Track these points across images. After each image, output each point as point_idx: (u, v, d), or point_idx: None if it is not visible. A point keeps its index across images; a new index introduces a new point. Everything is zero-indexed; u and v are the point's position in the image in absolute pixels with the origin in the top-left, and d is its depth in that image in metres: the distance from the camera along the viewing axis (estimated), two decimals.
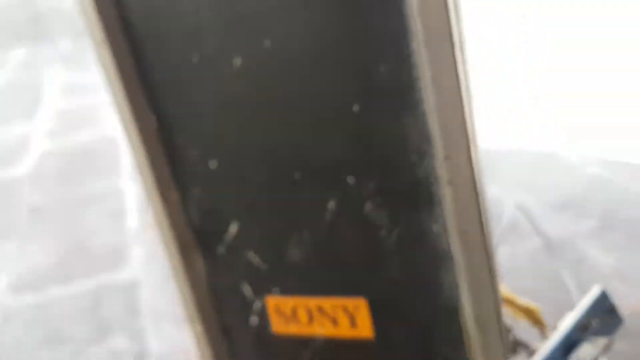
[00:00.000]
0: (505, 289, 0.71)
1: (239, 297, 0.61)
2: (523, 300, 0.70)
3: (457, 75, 0.46)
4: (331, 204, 0.54)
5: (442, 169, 0.48)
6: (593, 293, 0.68)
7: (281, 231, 0.57)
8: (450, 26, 0.45)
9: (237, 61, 0.52)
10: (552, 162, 1.37)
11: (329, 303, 0.57)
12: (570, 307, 0.82)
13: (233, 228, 0.59)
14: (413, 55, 0.47)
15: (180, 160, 0.58)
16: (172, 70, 0.55)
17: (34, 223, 1.43)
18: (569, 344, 0.63)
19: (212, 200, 0.59)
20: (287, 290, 0.59)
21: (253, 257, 0.59)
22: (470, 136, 0.48)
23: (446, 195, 0.49)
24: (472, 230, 0.50)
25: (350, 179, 0.52)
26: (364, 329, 0.57)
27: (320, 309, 0.58)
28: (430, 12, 0.44)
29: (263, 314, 0.61)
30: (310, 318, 0.59)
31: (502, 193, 1.25)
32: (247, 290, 0.61)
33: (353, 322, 0.57)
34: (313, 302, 0.58)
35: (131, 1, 0.54)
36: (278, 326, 0.61)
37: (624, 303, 0.89)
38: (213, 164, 0.57)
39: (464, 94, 0.47)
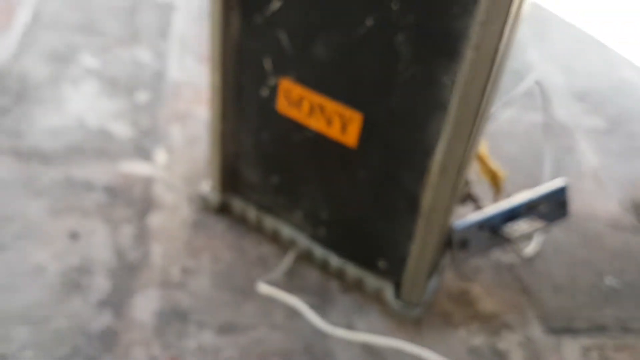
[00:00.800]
0: (484, 148, 0.78)
1: (259, 68, 0.68)
2: (494, 164, 0.77)
3: None
4: (369, 20, 0.58)
5: (474, 31, 0.52)
6: (556, 183, 0.76)
7: (316, 25, 0.61)
8: None
9: None
10: (598, 51, 1.36)
11: (331, 105, 0.64)
12: (534, 185, 0.90)
13: (275, 4, 0.63)
14: None
15: None
16: None
17: None
18: (512, 215, 0.72)
19: None
20: (301, 79, 0.65)
21: (284, 38, 0.64)
22: (514, 12, 0.51)
23: (468, 56, 0.53)
24: (474, 95, 0.55)
25: (395, 5, 0.56)
26: (351, 138, 0.65)
27: (322, 107, 0.65)
28: None
29: (273, 91, 0.68)
30: (311, 111, 0.66)
31: (537, 60, 1.27)
32: (268, 64, 0.67)
33: (344, 129, 0.65)
34: (318, 99, 0.65)
35: None
36: (282, 106, 0.68)
37: (586, 203, 0.98)
38: None
39: None
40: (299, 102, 0.67)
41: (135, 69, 1.00)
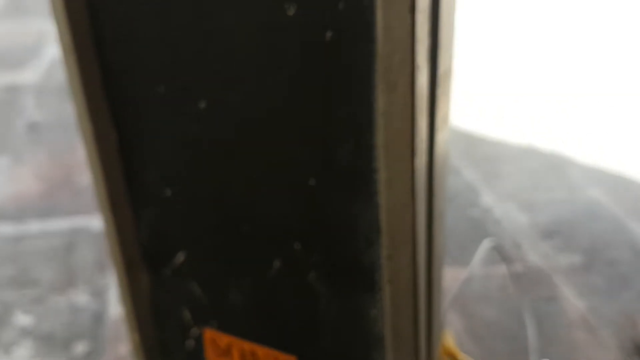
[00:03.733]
0: (450, 340, 0.70)
1: (178, 320, 0.61)
2: (465, 358, 0.69)
3: (412, 181, 0.43)
4: (276, 263, 0.52)
5: (383, 267, 0.46)
6: None
7: (224, 273, 0.56)
8: (413, 133, 0.41)
9: (202, 103, 0.49)
10: (555, 175, 1.33)
11: (262, 351, 0.57)
12: (521, 352, 0.82)
13: (180, 257, 0.58)
14: (374, 149, 0.44)
15: (137, 180, 0.57)
16: (138, 93, 0.52)
17: (29, 140, 1.43)
18: None
19: (163, 225, 0.58)
20: (224, 328, 0.59)
21: (196, 288, 0.58)
22: (420, 240, 0.45)
23: (386, 290, 0.47)
24: (405, 322, 0.49)
25: (297, 246, 0.51)
26: None
27: (253, 354, 0.58)
28: (394, 114, 0.41)
29: (199, 341, 0.61)
30: (243, 359, 0.59)
31: (495, 204, 1.23)
32: (186, 316, 0.60)
33: None
34: (248, 346, 0.58)
35: (106, 14, 0.50)
36: (212, 356, 0.61)
37: (582, 355, 0.88)
38: (167, 192, 0.55)
39: (418, 201, 0.44)
40: (228, 351, 0.59)
41: (72, 317, 0.93)
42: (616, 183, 1.30)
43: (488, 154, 1.42)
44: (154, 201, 0.57)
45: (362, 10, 0.40)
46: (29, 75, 1.71)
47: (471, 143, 1.46)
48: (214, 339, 0.60)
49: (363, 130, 0.43)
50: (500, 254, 0.87)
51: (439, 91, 0.43)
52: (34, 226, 1.13)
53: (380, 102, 0.41)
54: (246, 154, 0.49)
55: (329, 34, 0.41)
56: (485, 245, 0.88)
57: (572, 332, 0.93)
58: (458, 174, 1.33)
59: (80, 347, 0.88)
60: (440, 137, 0.46)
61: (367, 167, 0.45)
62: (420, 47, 0.39)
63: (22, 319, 0.93)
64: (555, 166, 1.36)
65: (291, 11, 0.42)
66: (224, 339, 0.59)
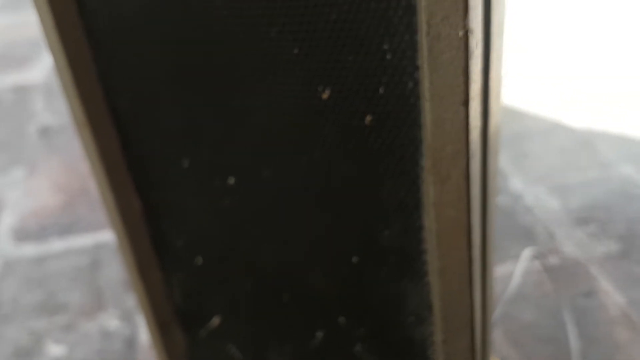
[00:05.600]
0: None
1: None
2: None
3: (470, 270, 0.40)
4: (319, 334, 0.50)
5: (438, 349, 0.43)
6: None
7: (264, 338, 0.54)
8: (469, 223, 0.38)
9: (231, 180, 0.46)
10: (585, 151, 1.28)
11: None
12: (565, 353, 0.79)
13: (215, 320, 0.55)
14: (422, 231, 0.40)
15: (165, 245, 0.54)
16: (161, 166, 0.49)
17: (42, 147, 1.41)
18: None
19: (195, 290, 0.55)
20: None
21: (234, 350, 0.56)
22: (477, 324, 0.42)
23: None
24: None
25: (342, 320, 0.48)
26: None
27: None
28: (447, 204, 0.37)
29: None
30: None
31: (524, 189, 1.19)
32: None
33: None
34: None
35: (118, 82, 0.46)
36: None
37: (625, 355, 0.86)
38: (198, 260, 0.52)
39: (475, 287, 0.41)
40: None
41: (104, 344, 0.92)
42: None
43: (514, 130, 1.37)
44: (184, 267, 0.54)
45: (406, 96, 0.36)
46: (36, 74, 1.67)
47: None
48: None
49: (410, 213, 0.40)
50: (538, 256, 0.84)
51: (490, 168, 0.40)
52: (57, 245, 1.12)
53: (432, 193, 0.37)
54: (283, 229, 0.46)
55: (369, 118, 0.38)
56: (526, 255, 0.85)
57: (613, 330, 0.91)
58: None
59: None
60: (490, 214, 0.43)
61: (415, 249, 0.41)
62: (473, 135, 0.35)
63: (55, 350, 0.92)
64: (584, 142, 1.31)
65: (326, 94, 0.38)
66: None
